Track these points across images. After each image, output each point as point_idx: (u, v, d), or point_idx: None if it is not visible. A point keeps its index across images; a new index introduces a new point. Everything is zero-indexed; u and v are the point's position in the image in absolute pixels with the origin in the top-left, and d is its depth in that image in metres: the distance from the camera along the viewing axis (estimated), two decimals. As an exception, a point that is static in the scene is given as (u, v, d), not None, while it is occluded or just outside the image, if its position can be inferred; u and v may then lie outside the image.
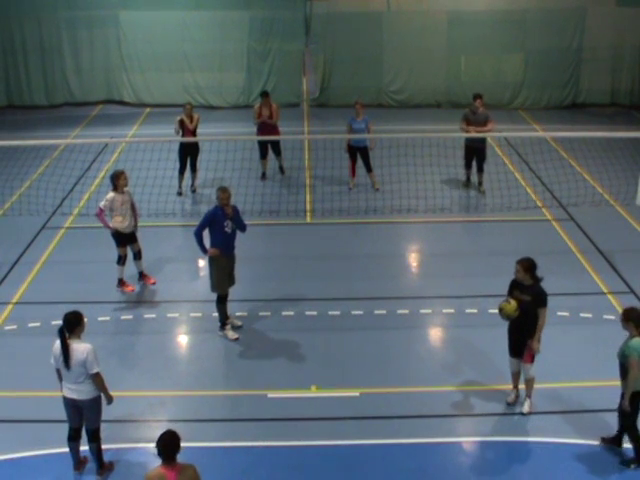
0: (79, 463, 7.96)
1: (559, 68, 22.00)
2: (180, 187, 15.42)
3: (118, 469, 7.94)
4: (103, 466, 7.90)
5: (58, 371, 7.57)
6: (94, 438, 7.74)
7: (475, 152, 15.35)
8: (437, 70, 22.03)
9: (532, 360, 8.48)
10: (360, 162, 15.46)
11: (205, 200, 15.26)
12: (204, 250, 10.14)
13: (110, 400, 7.63)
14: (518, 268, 8.44)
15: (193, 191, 15.64)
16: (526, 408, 8.65)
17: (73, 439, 7.80)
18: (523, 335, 8.39)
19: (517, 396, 8.85)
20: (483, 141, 15.35)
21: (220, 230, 10.02)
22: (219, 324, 10.46)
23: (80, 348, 7.35)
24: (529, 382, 8.65)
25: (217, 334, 10.41)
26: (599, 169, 15.69)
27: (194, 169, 15.59)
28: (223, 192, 10.08)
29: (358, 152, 15.32)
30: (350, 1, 21.63)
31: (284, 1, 21.53)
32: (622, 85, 22.34)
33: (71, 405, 7.61)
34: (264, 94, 16.06)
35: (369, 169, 15.49)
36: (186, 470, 6.11)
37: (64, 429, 8.37)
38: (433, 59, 21.90)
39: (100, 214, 11.16)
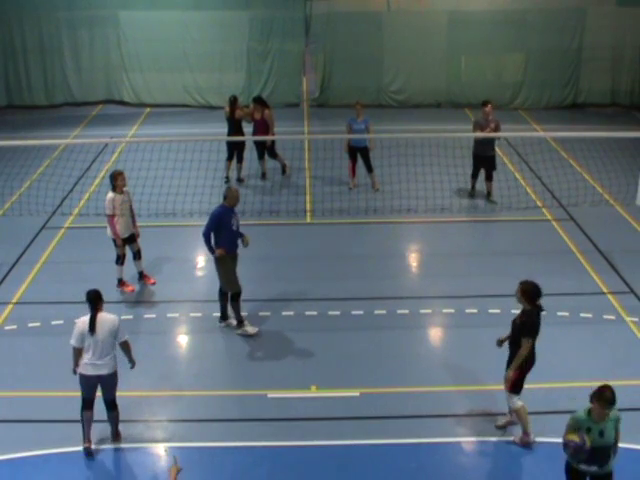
0: (89, 438, 8.09)
1: (559, 68, 21.99)
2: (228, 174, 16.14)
3: (118, 469, 7.94)
4: (119, 435, 8.26)
5: (78, 351, 7.80)
6: (114, 407, 8.12)
7: (485, 161, 14.88)
8: (437, 70, 22.02)
9: (512, 388, 7.97)
10: (360, 162, 15.47)
11: (206, 200, 15.25)
12: (212, 251, 10.16)
13: (134, 364, 8.18)
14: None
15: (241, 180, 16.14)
16: (516, 439, 8.26)
17: (88, 408, 8.02)
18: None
19: (508, 422, 8.41)
20: (493, 150, 14.87)
21: (228, 229, 10.09)
22: (235, 323, 10.47)
23: (110, 318, 7.87)
24: (515, 413, 8.16)
25: (234, 333, 10.42)
26: (599, 169, 15.69)
27: (240, 160, 16.07)
28: (235, 192, 10.21)
29: (358, 152, 15.33)
30: (350, 1, 21.62)
31: (284, 1, 21.52)
32: (622, 85, 22.33)
33: (91, 381, 7.87)
34: (254, 100, 16.15)
35: (369, 169, 15.50)
36: None
37: (64, 429, 8.41)
38: (433, 59, 21.89)
39: (112, 220, 11.14)
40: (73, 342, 7.84)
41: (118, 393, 8.26)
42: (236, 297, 10.35)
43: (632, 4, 21.30)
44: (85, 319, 7.81)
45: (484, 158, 14.92)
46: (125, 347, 8.01)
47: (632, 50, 21.92)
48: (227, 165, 16.05)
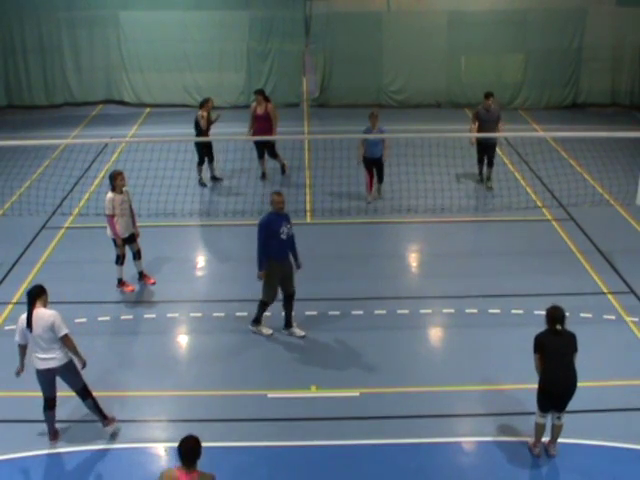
0: (54, 434, 8.22)
1: (559, 68, 21.99)
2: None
3: (118, 469, 7.94)
4: (107, 417, 8.24)
5: (23, 348, 7.92)
6: (86, 395, 8.09)
7: (488, 147, 15.70)
8: (437, 70, 22.02)
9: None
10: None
11: (205, 200, 15.28)
12: (260, 267, 9.90)
13: (83, 364, 8.03)
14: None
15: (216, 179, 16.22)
16: (529, 441, 8.30)
17: (50, 408, 8.08)
18: None
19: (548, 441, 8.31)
20: (495, 138, 15.61)
21: (276, 237, 9.79)
22: (252, 319, 10.46)
23: (47, 313, 7.80)
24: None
25: (249, 329, 10.49)
26: (599, 169, 15.68)
27: (212, 159, 16.05)
28: (278, 196, 9.87)
29: (373, 164, 14.87)
30: (350, 1, 21.61)
31: (284, 1, 21.53)
32: (622, 85, 22.33)
33: (45, 376, 7.90)
34: (256, 92, 16.09)
35: (381, 179, 15.05)
36: (203, 478, 6.05)
37: (64, 429, 8.41)
38: (433, 59, 21.89)
39: (111, 220, 11.15)
40: (16, 339, 7.95)
41: (118, 392, 8.29)
42: (267, 304, 10.27)
43: (632, 4, 21.28)
44: (24, 316, 7.85)
45: (488, 145, 15.67)
46: (67, 343, 7.83)
47: (632, 50, 21.91)
48: (200, 169, 16.04)
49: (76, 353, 7.94)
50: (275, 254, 9.87)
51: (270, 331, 10.43)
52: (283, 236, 9.85)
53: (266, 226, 9.77)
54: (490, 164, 15.84)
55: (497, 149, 15.93)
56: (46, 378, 7.94)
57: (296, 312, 10.95)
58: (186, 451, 6.03)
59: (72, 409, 8.60)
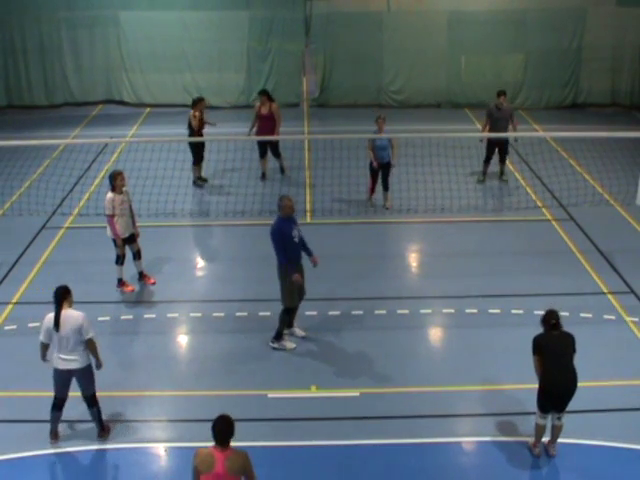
0: (55, 434, 8.26)
1: (559, 68, 21.99)
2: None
3: (118, 469, 7.94)
4: (104, 428, 8.30)
5: (46, 347, 7.96)
6: (93, 403, 8.16)
7: (498, 146, 15.81)
8: (437, 70, 22.02)
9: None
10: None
11: (205, 200, 15.27)
12: (291, 270, 9.67)
13: (100, 365, 8.11)
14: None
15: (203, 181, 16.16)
16: (529, 440, 8.31)
17: (58, 409, 8.14)
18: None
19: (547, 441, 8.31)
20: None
21: (289, 241, 9.68)
22: (274, 335, 10.11)
23: (75, 315, 7.85)
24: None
25: (270, 345, 10.12)
26: (599, 169, 15.69)
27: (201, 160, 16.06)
28: (288, 201, 9.75)
29: (380, 169, 14.67)
30: (350, 1, 21.61)
31: (284, 1, 21.53)
32: (622, 85, 22.33)
33: (64, 377, 7.95)
34: (260, 92, 16.10)
35: (386, 187, 14.76)
36: (237, 456, 6.18)
37: (64, 429, 8.41)
38: (433, 59, 21.89)
39: (111, 220, 11.14)
40: (41, 338, 7.97)
41: (118, 392, 8.28)
42: (289, 311, 10.08)
43: (632, 4, 21.27)
44: (51, 316, 7.86)
45: (497, 143, 15.74)
46: (90, 345, 7.91)
47: (632, 50, 21.90)
48: (195, 169, 16.03)
49: (96, 355, 8.02)
50: (292, 258, 9.77)
51: (293, 345, 10.14)
52: (296, 239, 9.75)
53: (279, 232, 9.64)
54: (502, 160, 16.04)
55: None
56: (62, 378, 7.97)
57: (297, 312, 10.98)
58: (220, 431, 6.22)
59: (73, 410, 8.58)
